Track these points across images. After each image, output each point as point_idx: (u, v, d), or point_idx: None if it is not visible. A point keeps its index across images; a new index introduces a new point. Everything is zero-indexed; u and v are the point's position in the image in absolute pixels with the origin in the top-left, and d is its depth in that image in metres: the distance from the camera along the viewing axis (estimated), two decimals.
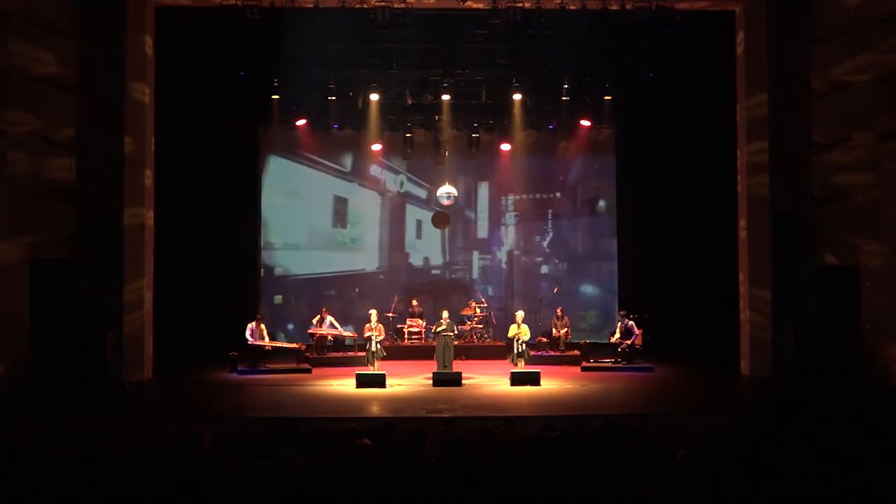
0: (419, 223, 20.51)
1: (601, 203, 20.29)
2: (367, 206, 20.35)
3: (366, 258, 20.40)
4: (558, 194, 20.40)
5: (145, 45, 15.39)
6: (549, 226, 20.41)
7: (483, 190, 20.45)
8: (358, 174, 20.26)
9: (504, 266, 20.50)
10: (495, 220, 20.46)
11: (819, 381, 13.67)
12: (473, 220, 20.51)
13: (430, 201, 20.30)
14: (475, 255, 20.60)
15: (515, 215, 20.44)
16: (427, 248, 20.57)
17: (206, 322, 16.94)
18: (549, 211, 20.41)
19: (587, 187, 20.41)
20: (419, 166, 20.12)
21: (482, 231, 20.52)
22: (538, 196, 20.40)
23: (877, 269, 14.21)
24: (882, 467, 5.31)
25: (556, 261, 20.42)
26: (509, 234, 20.49)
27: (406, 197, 20.42)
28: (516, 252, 20.47)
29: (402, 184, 20.33)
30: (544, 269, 20.41)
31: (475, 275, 20.50)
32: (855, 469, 5.28)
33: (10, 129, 13.69)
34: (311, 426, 7.91)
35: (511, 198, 20.39)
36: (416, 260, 20.52)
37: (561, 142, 20.00)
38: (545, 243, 20.46)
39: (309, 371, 16.07)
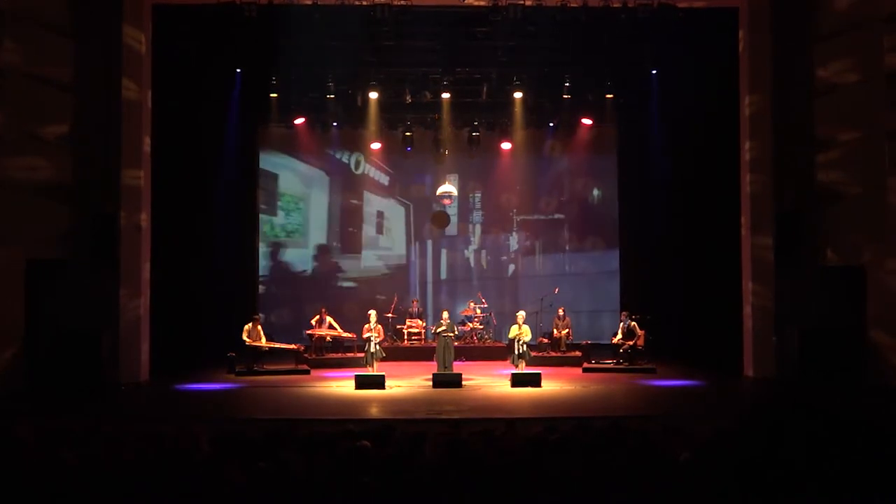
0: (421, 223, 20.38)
1: (603, 202, 20.19)
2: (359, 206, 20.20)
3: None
4: (558, 193, 20.31)
5: (141, 43, 15.25)
6: (550, 225, 20.29)
7: (482, 189, 20.32)
8: (357, 173, 20.15)
9: (501, 266, 20.37)
10: (494, 219, 20.33)
11: (823, 383, 13.56)
12: (470, 219, 20.37)
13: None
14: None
15: (513, 214, 20.31)
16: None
17: (203, 323, 16.84)
18: (550, 210, 20.30)
19: (588, 186, 20.33)
20: (418, 165, 20.00)
21: (479, 230, 20.38)
22: (538, 195, 20.30)
23: (881, 268, 14.08)
24: (883, 468, 5.25)
25: (557, 260, 20.29)
26: (509, 234, 20.36)
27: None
28: (514, 251, 20.35)
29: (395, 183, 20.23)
30: (544, 269, 20.28)
31: (473, 277, 20.35)
32: (856, 469, 5.22)
33: (4, 128, 13.56)
34: (309, 428, 7.82)
35: (510, 197, 20.27)
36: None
37: (562, 140, 19.89)
38: (546, 242, 20.34)
39: (307, 372, 15.95)
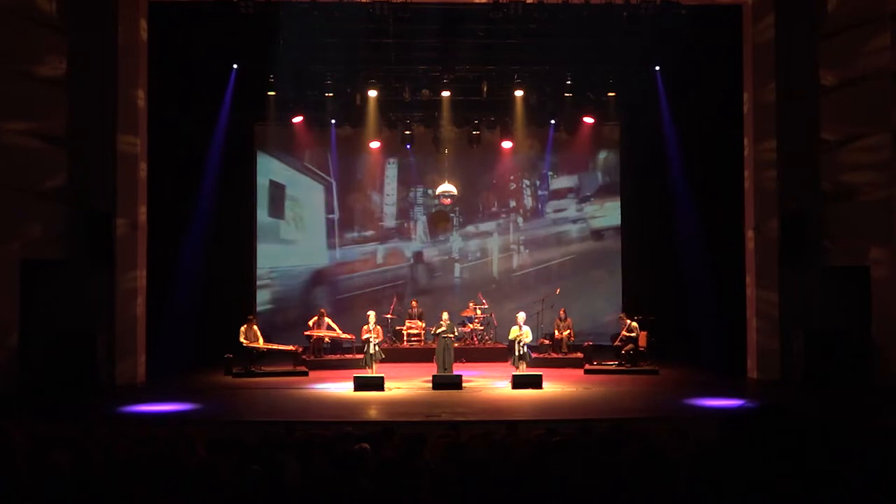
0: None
1: (604, 201, 20.06)
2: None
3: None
4: (560, 192, 20.18)
5: (138, 39, 15.14)
6: (552, 224, 20.16)
7: (482, 187, 20.17)
8: (355, 172, 20.02)
9: (500, 265, 20.26)
10: (497, 218, 20.19)
11: (828, 384, 13.42)
12: (472, 217, 20.24)
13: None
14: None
15: (515, 213, 20.19)
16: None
17: (200, 323, 16.68)
18: (552, 209, 20.17)
19: (590, 185, 20.19)
20: (419, 164, 19.87)
21: (476, 229, 20.23)
22: (540, 193, 20.17)
23: (886, 268, 13.94)
24: (884, 468, 5.13)
25: (558, 260, 20.16)
26: (510, 234, 20.23)
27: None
28: (516, 251, 20.22)
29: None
30: (545, 269, 20.14)
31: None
32: (856, 470, 5.11)
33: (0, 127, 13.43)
34: (307, 430, 7.71)
35: (510, 196, 20.14)
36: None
37: (564, 138, 19.74)
38: (547, 242, 20.20)
39: (305, 374, 15.81)
